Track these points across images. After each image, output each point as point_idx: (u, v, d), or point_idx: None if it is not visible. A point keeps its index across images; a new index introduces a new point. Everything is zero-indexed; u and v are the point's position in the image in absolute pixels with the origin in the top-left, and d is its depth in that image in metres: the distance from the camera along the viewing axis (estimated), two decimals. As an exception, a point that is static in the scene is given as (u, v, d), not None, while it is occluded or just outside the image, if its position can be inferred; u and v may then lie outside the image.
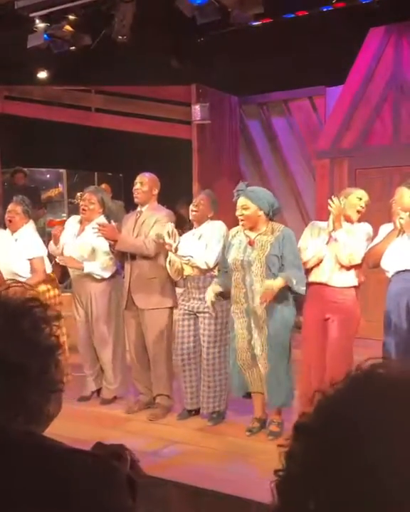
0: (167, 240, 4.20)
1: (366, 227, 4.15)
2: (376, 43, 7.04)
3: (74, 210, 5.09)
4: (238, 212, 3.99)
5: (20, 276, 4.80)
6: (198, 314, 4.38)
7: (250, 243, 3.99)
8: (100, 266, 4.75)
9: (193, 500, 3.34)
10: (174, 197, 7.16)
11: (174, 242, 4.21)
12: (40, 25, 6.21)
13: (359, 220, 4.18)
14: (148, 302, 4.55)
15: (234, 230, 4.18)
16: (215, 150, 8.44)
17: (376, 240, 4.08)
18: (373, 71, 7.05)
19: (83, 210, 4.84)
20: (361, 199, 4.13)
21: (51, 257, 5.06)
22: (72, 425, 4.30)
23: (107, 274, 4.79)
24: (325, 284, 4.09)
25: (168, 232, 4.23)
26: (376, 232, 4.14)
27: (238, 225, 4.15)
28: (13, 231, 4.88)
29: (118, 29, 6.12)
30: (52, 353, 1.13)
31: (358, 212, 4.13)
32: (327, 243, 4.04)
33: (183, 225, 7.28)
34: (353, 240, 4.01)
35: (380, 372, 0.67)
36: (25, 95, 8.48)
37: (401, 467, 0.59)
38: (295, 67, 6.83)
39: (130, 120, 8.48)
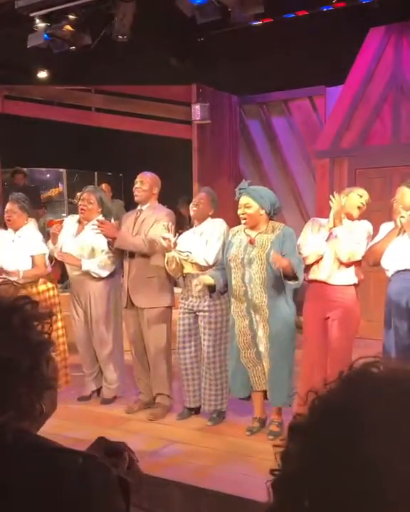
0: (166, 234, 4.21)
1: (366, 225, 4.16)
2: (376, 42, 7.04)
3: (74, 209, 5.09)
4: (240, 211, 3.99)
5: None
6: (198, 313, 4.38)
7: (251, 242, 3.99)
8: (98, 264, 4.75)
9: (193, 500, 3.35)
10: (173, 196, 7.17)
11: (174, 236, 4.21)
12: (40, 24, 6.21)
13: (359, 219, 4.18)
14: (147, 301, 4.55)
15: (234, 229, 4.19)
16: (215, 150, 8.44)
17: (377, 239, 4.08)
18: (373, 71, 7.05)
19: (82, 209, 4.84)
20: (361, 197, 4.15)
21: (51, 257, 5.05)
22: (73, 425, 4.31)
23: (104, 273, 4.79)
24: (325, 283, 4.09)
25: (167, 228, 4.24)
26: (376, 231, 4.15)
27: (238, 223, 4.16)
28: (15, 230, 4.87)
29: (118, 29, 6.12)
30: (43, 350, 1.13)
31: (358, 208, 4.14)
32: (327, 240, 4.04)
33: (183, 223, 7.29)
34: (353, 237, 4.01)
35: (373, 371, 0.68)
36: (26, 95, 8.48)
37: (396, 466, 0.60)
38: (295, 66, 6.84)
39: (130, 120, 8.48)
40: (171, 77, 7.77)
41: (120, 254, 4.70)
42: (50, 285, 4.94)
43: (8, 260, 4.80)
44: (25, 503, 0.99)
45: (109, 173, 9.85)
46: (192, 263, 4.31)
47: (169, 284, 4.65)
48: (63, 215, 8.81)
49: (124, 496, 1.09)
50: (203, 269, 4.31)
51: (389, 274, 4.07)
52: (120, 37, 6.21)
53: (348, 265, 4.08)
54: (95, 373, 5.06)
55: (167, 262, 4.33)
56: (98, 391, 5.09)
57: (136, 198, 4.65)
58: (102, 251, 4.74)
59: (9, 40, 6.45)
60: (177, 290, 4.99)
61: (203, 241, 4.34)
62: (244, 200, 3.97)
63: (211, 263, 4.28)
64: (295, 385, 4.07)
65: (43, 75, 8.10)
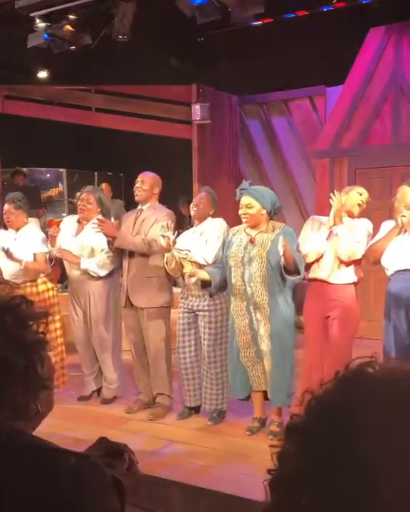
0: (165, 233, 4.21)
1: (366, 223, 4.16)
2: (376, 42, 7.04)
3: (74, 209, 5.08)
4: (241, 211, 4.00)
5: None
6: (197, 312, 4.38)
7: (251, 241, 4.00)
8: (97, 263, 4.74)
9: (193, 500, 3.35)
10: (173, 196, 7.17)
11: (173, 234, 4.21)
12: (40, 24, 6.21)
13: (359, 217, 4.19)
14: (146, 301, 4.55)
15: (234, 228, 4.19)
16: (215, 150, 8.45)
17: (378, 237, 4.08)
18: (373, 71, 7.05)
19: (81, 209, 4.84)
20: (361, 195, 4.15)
21: (50, 258, 5.05)
22: (73, 425, 4.32)
23: (103, 273, 4.78)
24: (325, 281, 4.09)
25: (165, 225, 4.25)
26: (377, 230, 4.15)
27: (238, 223, 4.16)
28: (16, 230, 4.87)
29: (118, 29, 6.12)
30: (38, 349, 1.13)
31: (359, 205, 4.14)
32: (328, 238, 4.04)
33: (183, 223, 7.30)
34: (353, 235, 4.01)
35: (369, 371, 0.68)
36: (26, 95, 8.49)
37: (392, 466, 0.60)
38: (295, 66, 6.84)
39: (130, 120, 8.48)
40: (171, 77, 7.77)
41: (120, 254, 4.70)
42: (49, 285, 4.95)
43: (9, 262, 4.81)
44: (19, 503, 0.99)
45: (110, 173, 9.85)
46: (191, 262, 4.31)
47: (168, 284, 4.65)
48: (63, 215, 8.81)
49: (119, 496, 1.08)
50: (202, 267, 4.31)
51: (389, 273, 4.07)
52: (120, 37, 6.21)
53: (348, 264, 4.09)
54: (95, 373, 5.06)
55: (167, 262, 4.33)
56: (98, 391, 5.09)
57: (136, 198, 4.65)
58: (102, 250, 4.74)
59: (9, 40, 6.45)
60: (177, 290, 4.99)
61: (203, 240, 4.34)
62: (246, 200, 3.97)
63: (210, 262, 4.28)
64: (295, 385, 4.07)
65: (43, 74, 8.10)
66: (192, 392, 4.53)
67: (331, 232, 4.04)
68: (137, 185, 4.62)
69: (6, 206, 4.87)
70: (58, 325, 4.94)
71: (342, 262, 4.06)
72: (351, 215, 4.15)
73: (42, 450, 1.08)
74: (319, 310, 4.13)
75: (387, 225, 4.09)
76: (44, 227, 6.99)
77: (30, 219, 4.98)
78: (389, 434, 0.61)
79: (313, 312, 4.17)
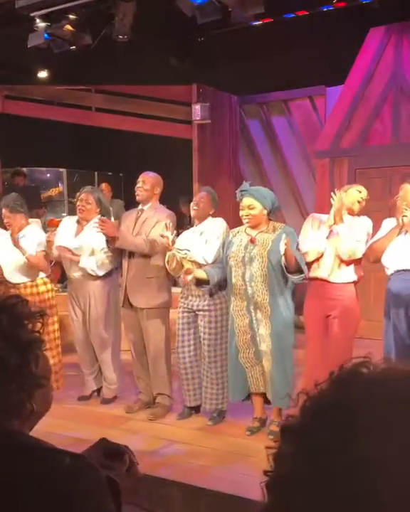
0: (165, 232, 4.22)
1: (367, 221, 4.15)
2: (377, 42, 7.04)
3: (74, 209, 5.07)
4: (243, 212, 3.99)
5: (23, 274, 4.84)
6: (197, 312, 4.38)
7: (252, 241, 4.00)
8: (96, 262, 4.74)
9: (193, 500, 3.35)
10: (174, 196, 7.17)
11: (172, 234, 4.22)
12: (40, 24, 6.21)
13: (359, 215, 4.19)
14: (145, 301, 4.55)
15: (235, 230, 4.20)
16: (215, 149, 8.45)
17: (378, 235, 4.08)
18: (373, 71, 7.05)
19: (80, 210, 4.84)
20: (360, 192, 4.16)
21: (50, 260, 5.05)
22: (73, 425, 4.32)
23: (101, 272, 4.78)
24: (325, 281, 4.09)
25: (166, 225, 4.25)
26: (377, 230, 4.15)
27: (238, 223, 4.16)
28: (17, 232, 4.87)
29: (118, 28, 6.13)
30: (33, 348, 1.13)
31: (358, 203, 4.14)
32: (328, 237, 4.04)
33: (184, 223, 7.30)
34: (353, 234, 4.01)
35: (363, 371, 0.68)
36: (26, 95, 8.49)
37: (388, 466, 0.60)
38: (295, 66, 6.84)
39: (130, 120, 8.48)
40: (172, 77, 7.77)
41: (119, 254, 4.70)
42: (49, 286, 4.95)
43: (11, 259, 4.82)
44: (13, 503, 0.99)
45: (110, 173, 9.85)
46: (191, 261, 4.31)
47: (167, 284, 4.66)
48: (63, 214, 8.82)
49: (114, 497, 1.08)
50: (202, 267, 4.31)
51: (389, 272, 4.07)
52: (120, 37, 6.21)
53: (349, 263, 4.09)
54: (95, 373, 5.07)
55: (168, 261, 4.33)
56: (98, 391, 5.09)
57: (137, 198, 4.64)
58: (101, 250, 4.74)
59: (9, 39, 6.45)
60: (176, 290, 4.99)
61: (203, 240, 4.34)
62: (247, 201, 3.97)
63: (210, 262, 4.28)
64: (294, 385, 4.06)
65: (43, 74, 8.10)
66: (192, 392, 4.53)
67: (331, 231, 4.04)
68: (138, 185, 4.61)
69: (3, 210, 4.87)
70: (56, 326, 4.94)
71: (342, 261, 4.06)
72: (351, 212, 4.15)
73: (37, 450, 1.08)
74: (319, 309, 4.13)
75: (388, 224, 4.08)
76: (44, 227, 7.00)
77: (31, 220, 4.97)
78: (384, 434, 0.61)
79: (314, 312, 4.17)
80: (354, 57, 7.09)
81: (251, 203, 3.97)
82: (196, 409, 4.58)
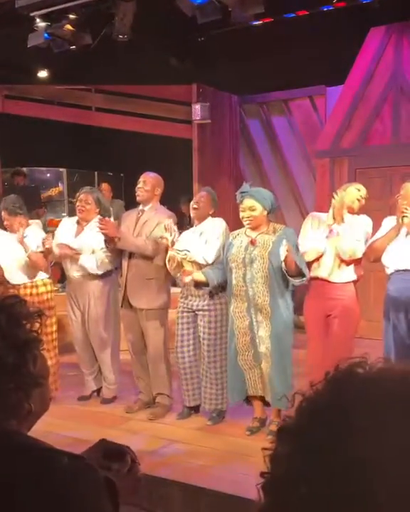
0: (164, 234, 4.21)
1: (366, 220, 4.15)
2: (377, 42, 7.04)
3: (74, 209, 5.07)
4: (244, 214, 3.99)
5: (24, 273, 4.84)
6: (197, 312, 4.38)
7: (252, 242, 4.00)
8: (96, 261, 4.74)
9: (193, 500, 3.35)
10: (174, 196, 7.17)
11: (171, 235, 4.21)
12: (40, 24, 6.21)
13: (359, 214, 4.18)
14: (145, 302, 4.55)
15: (235, 232, 4.19)
16: (215, 149, 8.45)
17: (379, 234, 4.08)
18: (373, 71, 7.05)
19: (80, 210, 4.84)
20: (359, 190, 4.15)
21: (50, 260, 5.05)
22: (73, 425, 4.32)
23: (100, 271, 4.78)
24: (326, 280, 4.09)
25: (165, 227, 4.25)
26: (377, 229, 4.15)
27: (238, 223, 4.16)
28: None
29: (118, 28, 6.12)
30: (31, 347, 1.13)
31: (358, 201, 4.13)
32: (327, 236, 4.03)
33: (184, 223, 7.29)
34: (354, 234, 4.00)
35: (359, 371, 0.67)
36: (26, 94, 8.48)
37: (385, 466, 0.59)
38: (296, 66, 6.83)
39: (130, 119, 8.48)
40: (172, 76, 7.77)
41: (119, 254, 4.69)
42: (49, 288, 4.96)
43: (11, 260, 4.81)
44: (10, 503, 0.99)
45: (110, 173, 9.85)
46: (191, 262, 4.31)
47: (166, 285, 4.67)
48: (63, 214, 8.82)
49: (112, 497, 1.08)
50: (202, 267, 4.31)
51: (389, 271, 4.07)
52: (121, 36, 6.21)
53: (349, 263, 4.09)
54: (95, 373, 5.07)
55: (169, 260, 4.32)
56: (98, 391, 5.09)
57: (138, 198, 4.64)
58: (101, 250, 4.74)
59: (9, 39, 6.45)
60: (176, 290, 4.99)
61: (203, 240, 4.34)
62: (249, 202, 3.97)
63: (210, 262, 4.28)
64: (293, 386, 4.06)
65: (43, 74, 8.10)
66: (191, 392, 4.53)
67: (331, 230, 4.03)
68: (139, 185, 4.61)
69: (2, 213, 4.87)
70: (54, 328, 4.94)
71: (342, 260, 4.06)
72: (351, 211, 4.14)
73: (35, 450, 1.08)
74: (319, 309, 4.13)
75: (388, 222, 4.08)
76: (44, 227, 7.00)
77: (31, 221, 4.96)
78: (380, 434, 0.61)
79: (314, 311, 4.17)
80: (355, 57, 7.09)
81: (252, 205, 3.96)
82: (196, 409, 4.58)
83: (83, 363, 5.07)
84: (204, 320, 4.34)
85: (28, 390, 1.12)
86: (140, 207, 4.67)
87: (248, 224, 4.01)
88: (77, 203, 4.88)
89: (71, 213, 7.33)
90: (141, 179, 4.62)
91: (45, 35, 6.27)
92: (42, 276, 4.92)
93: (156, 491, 3.34)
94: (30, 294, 4.80)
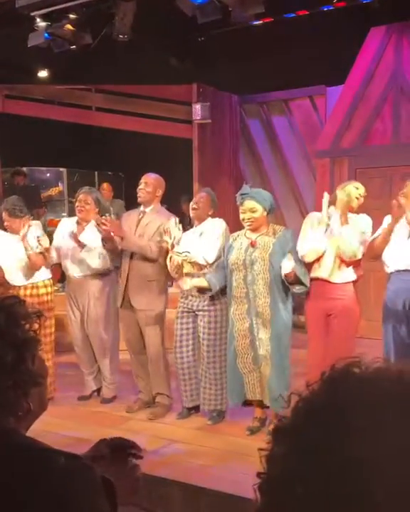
0: (164, 237, 4.21)
1: (366, 219, 4.13)
2: (377, 42, 7.04)
3: (74, 209, 5.07)
4: (245, 215, 3.98)
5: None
6: (197, 312, 4.38)
7: (252, 244, 3.99)
8: (98, 255, 4.74)
9: (193, 499, 3.35)
10: (174, 196, 7.17)
11: (171, 238, 4.21)
12: (40, 24, 6.21)
13: (358, 213, 4.17)
14: (145, 303, 4.55)
15: (234, 234, 4.19)
16: (215, 149, 8.44)
17: (379, 232, 4.08)
18: (373, 71, 7.05)
19: (80, 210, 4.84)
20: (358, 189, 4.14)
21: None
22: (73, 424, 4.32)
23: (100, 266, 4.77)
24: (326, 281, 4.09)
25: (164, 230, 4.25)
26: (376, 229, 4.14)
27: (238, 223, 4.16)
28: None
29: (119, 28, 6.12)
30: (29, 346, 1.14)
31: (357, 199, 4.12)
32: (325, 233, 4.02)
33: (185, 223, 7.29)
34: (356, 235, 4.00)
35: (355, 371, 0.67)
36: (26, 94, 8.49)
37: (382, 466, 0.59)
38: (296, 66, 6.83)
39: (131, 119, 8.48)
40: (172, 76, 7.77)
41: (117, 254, 4.70)
42: (49, 289, 4.96)
43: (12, 261, 4.82)
44: (7, 502, 0.99)
45: (110, 173, 9.85)
46: (191, 263, 4.31)
47: (166, 286, 4.70)
48: (64, 214, 8.82)
49: (109, 497, 1.08)
50: (203, 268, 4.31)
51: (388, 270, 4.07)
52: (121, 36, 6.21)
53: (349, 264, 4.08)
54: (95, 373, 5.07)
55: (170, 258, 4.33)
56: (98, 391, 5.09)
57: (139, 199, 4.63)
58: (101, 248, 4.75)
59: (10, 39, 6.45)
60: (173, 290, 5.00)
61: (203, 241, 4.34)
62: (249, 204, 3.97)
63: (210, 261, 4.28)
64: (290, 386, 4.05)
65: (43, 74, 8.10)
66: (189, 393, 4.52)
67: (330, 228, 4.02)
68: (141, 187, 4.60)
69: (3, 214, 4.87)
70: (52, 329, 4.94)
71: (342, 261, 4.06)
72: (351, 209, 4.14)
73: (32, 449, 1.08)
74: (320, 309, 4.13)
75: (389, 220, 4.07)
76: (44, 227, 7.00)
77: (32, 222, 4.97)
78: (377, 433, 0.60)
79: (314, 311, 4.17)
80: (355, 56, 7.09)
81: (253, 206, 3.96)
82: (196, 409, 4.58)
83: (83, 363, 5.07)
84: (204, 320, 4.34)
85: (26, 389, 1.12)
86: (141, 208, 4.67)
87: (248, 225, 4.01)
88: (77, 203, 4.89)
89: (71, 213, 7.33)
90: (142, 180, 4.61)
91: (46, 34, 6.27)
92: (42, 277, 4.91)
93: (156, 491, 3.34)
94: (31, 295, 4.80)
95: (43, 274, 4.91)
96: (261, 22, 6.74)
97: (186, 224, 7.10)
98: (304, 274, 3.88)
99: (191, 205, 4.50)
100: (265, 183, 8.36)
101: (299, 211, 8.36)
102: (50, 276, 5.00)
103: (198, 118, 7.96)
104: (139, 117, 8.43)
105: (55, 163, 9.21)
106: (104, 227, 4.44)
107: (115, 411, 4.74)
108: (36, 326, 1.17)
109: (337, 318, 4.09)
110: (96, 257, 4.75)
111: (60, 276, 6.30)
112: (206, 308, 4.32)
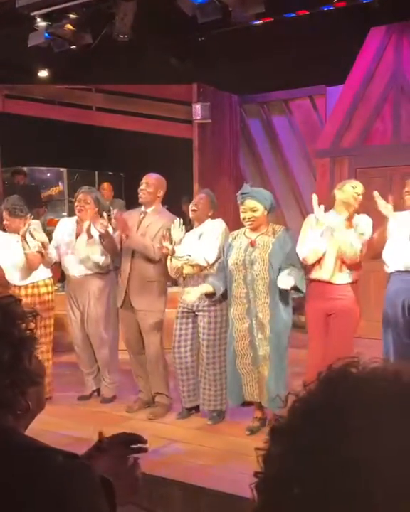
0: (164, 243, 4.21)
1: (366, 220, 4.13)
2: (377, 42, 7.04)
3: (74, 209, 5.07)
4: (246, 215, 3.98)
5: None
6: (197, 313, 4.38)
7: (252, 244, 3.99)
8: (100, 252, 4.75)
9: (193, 499, 3.35)
10: (174, 196, 7.17)
11: (171, 244, 4.20)
12: (41, 23, 6.21)
13: (359, 213, 4.17)
14: (146, 304, 4.56)
15: (234, 233, 4.19)
16: (215, 149, 8.44)
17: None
18: (373, 71, 7.05)
19: (80, 210, 4.84)
20: (355, 188, 4.12)
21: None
22: (73, 424, 4.32)
23: (102, 261, 4.78)
24: (327, 282, 4.09)
25: (163, 236, 4.24)
26: (376, 228, 4.14)
27: (238, 223, 4.16)
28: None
29: (119, 28, 6.12)
30: (26, 345, 1.14)
31: (354, 199, 4.11)
32: (323, 235, 4.02)
33: (185, 222, 7.29)
34: (357, 238, 4.00)
35: (352, 371, 0.67)
36: (26, 94, 8.49)
37: (380, 466, 0.59)
38: (296, 66, 6.83)
39: (131, 119, 8.48)
40: (172, 76, 7.77)
41: (114, 251, 4.71)
42: (50, 288, 4.96)
43: (12, 260, 4.82)
44: (6, 501, 0.99)
45: (110, 173, 9.85)
46: (192, 265, 4.31)
47: (166, 287, 4.71)
48: (64, 214, 8.82)
49: (108, 496, 1.08)
50: (203, 269, 4.31)
51: (388, 270, 4.07)
52: (121, 36, 6.21)
53: (350, 266, 4.08)
54: (95, 373, 5.07)
55: (170, 260, 4.33)
56: (98, 390, 5.09)
57: (140, 200, 4.63)
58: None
59: (10, 39, 6.45)
60: (176, 289, 5.00)
61: (203, 242, 4.34)
62: (251, 203, 3.96)
63: (211, 262, 4.28)
64: (288, 386, 4.05)
65: (43, 74, 8.10)
66: (187, 393, 4.52)
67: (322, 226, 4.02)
68: (142, 187, 4.59)
69: (4, 213, 4.87)
70: (51, 329, 4.94)
71: (343, 262, 4.06)
72: (349, 208, 4.13)
73: (30, 448, 1.08)
74: (320, 309, 4.13)
75: (391, 220, 4.06)
76: (44, 227, 7.01)
77: (32, 221, 4.97)
78: (375, 434, 0.60)
79: (314, 311, 4.17)
80: (355, 56, 7.09)
81: (254, 205, 3.96)
82: (196, 409, 4.58)
83: (83, 363, 5.07)
84: (204, 321, 4.34)
85: (24, 388, 1.13)
86: (142, 208, 4.66)
87: (249, 225, 4.01)
88: (76, 203, 4.89)
89: (71, 213, 7.33)
90: (144, 180, 4.61)
91: (46, 34, 6.28)
92: (43, 276, 4.91)
93: (156, 491, 3.34)
94: (31, 295, 4.81)
95: (44, 273, 4.92)
96: (261, 22, 6.74)
97: (187, 224, 7.11)
98: (301, 279, 3.87)
99: (191, 206, 4.49)
100: (265, 183, 8.36)
101: (299, 211, 8.36)
102: (50, 275, 5.00)
103: (199, 118, 7.96)
104: (140, 117, 8.44)
105: (55, 162, 9.21)
106: (102, 224, 4.43)
107: (115, 411, 4.74)
108: (32, 325, 1.17)
109: (337, 319, 4.09)
110: (98, 253, 4.75)
111: (60, 275, 6.30)
112: (206, 308, 4.32)
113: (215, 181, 7.81)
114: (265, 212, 4.00)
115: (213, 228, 4.38)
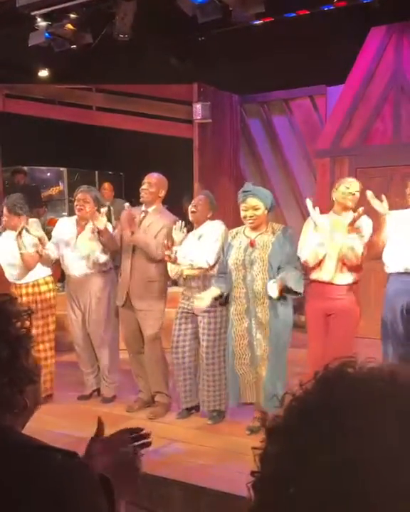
0: (166, 252, 4.21)
1: (367, 220, 4.12)
2: (377, 42, 7.04)
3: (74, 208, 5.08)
4: (248, 213, 3.97)
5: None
6: (197, 313, 4.38)
7: (252, 244, 3.99)
8: (100, 249, 4.76)
9: (193, 499, 3.35)
10: (174, 195, 7.16)
11: (172, 253, 4.20)
12: (41, 23, 6.21)
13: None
14: (146, 304, 4.56)
15: (233, 231, 4.18)
16: (216, 149, 8.44)
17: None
18: (374, 70, 7.05)
19: (80, 209, 4.85)
20: (349, 187, 4.11)
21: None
22: (73, 424, 4.32)
23: (103, 258, 4.78)
24: (328, 283, 4.09)
25: (163, 245, 4.25)
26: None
27: (238, 223, 4.16)
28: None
29: (119, 28, 6.12)
30: (23, 343, 1.14)
31: (348, 198, 4.10)
32: (322, 235, 4.02)
33: (185, 222, 7.29)
34: (358, 241, 3.99)
35: (348, 371, 0.67)
36: (26, 94, 8.49)
37: (376, 467, 0.59)
38: (296, 66, 6.83)
39: (131, 119, 8.48)
40: (172, 76, 7.77)
41: (114, 249, 4.71)
42: (51, 286, 4.96)
43: (12, 259, 4.82)
44: (4, 500, 0.99)
45: (110, 173, 9.84)
46: (194, 267, 4.33)
47: (166, 287, 4.72)
48: (64, 214, 8.82)
49: (107, 495, 1.08)
50: (204, 271, 4.31)
51: (388, 271, 4.07)
52: (121, 36, 6.21)
53: (351, 267, 4.07)
54: (95, 372, 5.07)
55: (171, 269, 4.36)
56: (98, 390, 5.10)
57: (141, 199, 4.63)
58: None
59: (10, 38, 6.45)
60: (176, 289, 5.00)
61: (203, 243, 4.34)
62: (253, 201, 3.96)
63: (212, 263, 4.28)
64: (287, 386, 4.05)
65: (44, 73, 8.10)
66: (185, 393, 4.52)
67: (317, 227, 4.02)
68: (144, 187, 4.59)
69: (4, 210, 4.88)
70: (53, 327, 4.94)
71: (344, 264, 4.06)
72: (345, 209, 4.13)
73: (28, 447, 1.08)
74: (320, 309, 4.14)
75: (389, 219, 4.06)
76: (44, 226, 7.00)
77: (31, 220, 4.97)
78: (371, 434, 0.60)
79: (315, 311, 4.18)
80: (355, 56, 7.09)
81: (256, 204, 3.96)
82: (196, 408, 4.58)
83: (83, 363, 5.08)
84: (204, 321, 4.34)
85: (21, 386, 1.13)
86: (143, 207, 4.67)
87: (250, 223, 4.00)
88: (76, 202, 4.89)
89: (71, 213, 7.32)
90: (145, 180, 4.61)
91: (46, 34, 6.28)
92: (43, 274, 4.91)
93: (156, 491, 3.34)
94: (32, 293, 4.81)
95: (44, 271, 4.92)
96: (261, 22, 6.74)
97: (187, 224, 7.11)
98: (299, 280, 3.85)
99: (190, 208, 4.50)
100: (265, 182, 8.35)
101: (299, 211, 8.35)
102: (50, 273, 5.00)
103: (199, 118, 7.96)
104: (140, 117, 8.43)
105: (55, 162, 9.21)
106: (125, 218, 4.42)
107: (115, 410, 4.74)
108: (28, 323, 1.17)
109: (337, 318, 4.10)
110: (99, 250, 4.76)
111: (60, 275, 6.30)
112: (206, 309, 4.31)
113: (215, 181, 7.81)
114: (266, 211, 4.00)
115: (213, 230, 4.38)
